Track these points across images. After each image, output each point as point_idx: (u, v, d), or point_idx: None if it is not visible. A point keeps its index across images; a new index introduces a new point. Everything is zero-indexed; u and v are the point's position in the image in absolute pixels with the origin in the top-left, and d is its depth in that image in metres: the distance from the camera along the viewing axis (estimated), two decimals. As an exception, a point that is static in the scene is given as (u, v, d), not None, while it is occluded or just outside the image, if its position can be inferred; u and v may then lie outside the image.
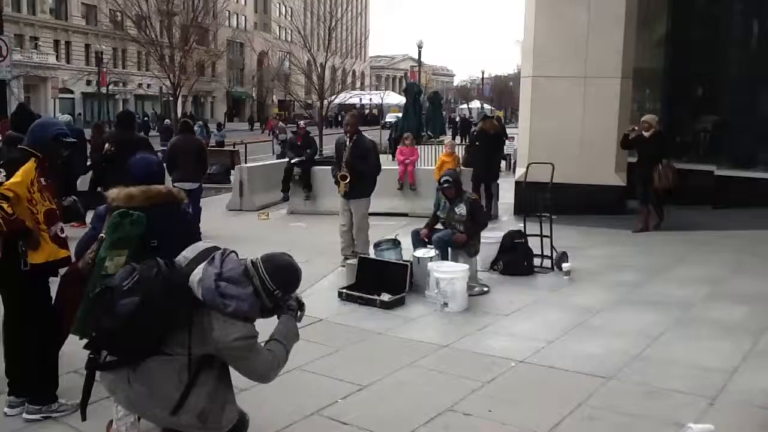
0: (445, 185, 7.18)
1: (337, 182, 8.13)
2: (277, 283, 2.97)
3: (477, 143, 12.36)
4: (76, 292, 3.47)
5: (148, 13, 21.13)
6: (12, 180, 3.83)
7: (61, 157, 4.35)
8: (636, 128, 10.44)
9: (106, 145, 9.50)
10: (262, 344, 3.02)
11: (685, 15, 13.93)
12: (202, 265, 2.91)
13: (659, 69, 14.19)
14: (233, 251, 3.07)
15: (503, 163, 22.08)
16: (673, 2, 13.91)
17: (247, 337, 2.88)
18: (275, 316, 3.16)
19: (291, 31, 34.80)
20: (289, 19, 36.17)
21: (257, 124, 57.56)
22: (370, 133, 30.01)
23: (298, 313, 3.21)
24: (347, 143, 8.07)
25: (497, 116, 45.79)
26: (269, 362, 2.98)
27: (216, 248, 3.06)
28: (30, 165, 3.94)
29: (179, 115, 25.79)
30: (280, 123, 34.26)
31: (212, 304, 2.84)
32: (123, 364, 2.90)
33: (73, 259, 3.87)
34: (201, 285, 2.85)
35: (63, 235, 4.22)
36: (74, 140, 4.51)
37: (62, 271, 4.03)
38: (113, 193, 3.55)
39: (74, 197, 9.32)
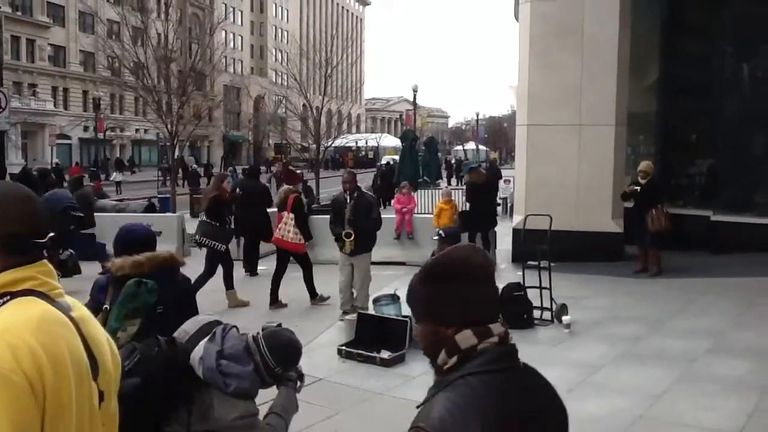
0: (436, 240, 7.31)
1: (339, 240, 8.12)
2: (278, 361, 2.94)
3: (467, 195, 12.48)
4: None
5: (146, 63, 21.30)
6: None
7: (68, 230, 4.35)
8: (632, 184, 10.62)
9: (237, 190, 11.34)
10: (261, 419, 2.98)
11: (678, 59, 14.11)
12: (202, 342, 2.88)
13: (653, 113, 14.33)
14: (234, 326, 3.04)
15: (499, 207, 22.28)
16: (665, 47, 14.11)
17: (247, 416, 2.84)
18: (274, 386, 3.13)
19: (287, 76, 35.10)
20: (285, 64, 36.54)
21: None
22: (368, 175, 30.13)
23: (298, 383, 3.16)
24: (348, 201, 8.10)
25: (492, 158, 46.07)
26: None
27: (217, 323, 3.03)
28: None
29: (176, 160, 25.99)
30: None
31: (213, 383, 2.80)
32: None
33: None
34: (202, 364, 2.82)
35: None
36: (82, 215, 4.52)
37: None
38: (118, 262, 3.53)
39: (71, 251, 9.31)
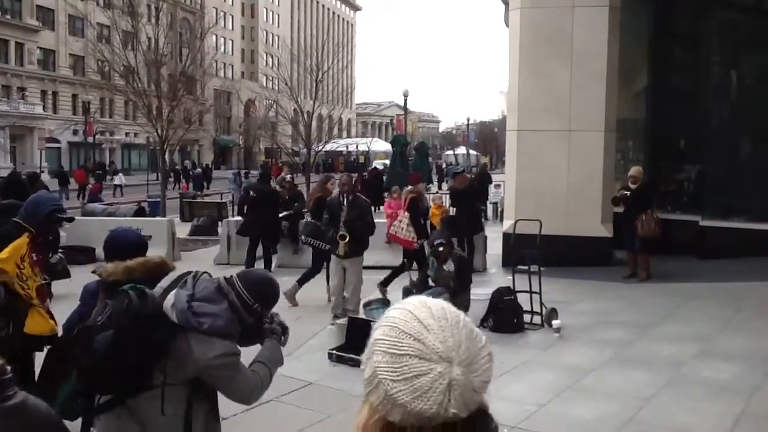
0: (440, 248, 7.29)
1: (333, 243, 8.14)
2: (255, 297, 2.93)
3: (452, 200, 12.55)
4: (62, 369, 3.43)
5: (136, 67, 21.23)
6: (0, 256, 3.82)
7: (55, 233, 4.34)
8: (622, 189, 10.70)
9: (250, 193, 12.10)
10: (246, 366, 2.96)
11: (666, 66, 14.24)
12: (174, 290, 2.89)
13: (641, 120, 14.43)
14: (205, 272, 3.04)
15: (490, 211, 22.33)
16: (653, 54, 14.23)
17: (227, 354, 2.82)
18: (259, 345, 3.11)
19: (278, 80, 35.10)
20: (276, 69, 36.55)
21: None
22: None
23: (282, 337, 3.15)
24: (344, 203, 8.11)
25: (483, 163, 46.17)
26: (253, 382, 2.93)
27: (189, 273, 3.04)
28: (22, 241, 3.92)
29: (168, 164, 25.93)
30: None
31: (187, 325, 2.78)
32: (115, 403, 2.85)
33: (60, 334, 3.83)
34: (174, 309, 2.81)
35: (50, 308, 4.20)
36: (71, 217, 4.51)
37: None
38: (110, 268, 3.52)
39: (61, 254, 9.27)
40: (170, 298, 2.85)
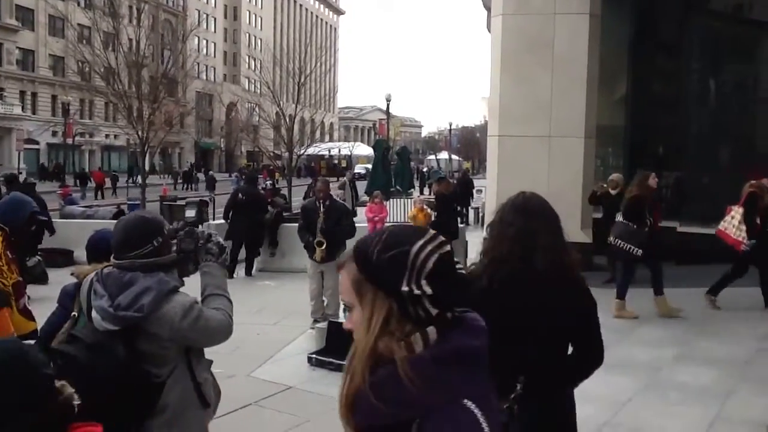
0: None
1: (310, 248, 8.13)
2: (144, 241, 2.79)
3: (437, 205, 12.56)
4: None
5: (117, 69, 21.11)
6: None
7: (37, 235, 4.32)
8: (603, 185, 10.82)
9: (239, 196, 12.16)
10: (201, 305, 2.83)
11: (645, 74, 14.40)
12: (94, 305, 2.78)
13: (621, 126, 14.58)
14: (96, 271, 2.92)
15: (471, 216, 22.43)
16: (634, 62, 14.39)
17: (186, 310, 2.71)
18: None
19: (260, 83, 35.03)
20: (258, 72, 36.47)
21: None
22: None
23: (221, 257, 3.00)
24: (320, 209, 8.11)
25: (465, 168, 46.27)
26: (222, 318, 2.82)
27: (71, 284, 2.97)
28: None
29: (147, 166, 25.80)
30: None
31: (131, 321, 2.67)
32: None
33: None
34: (107, 321, 2.69)
35: (29, 307, 4.16)
36: (46, 218, 4.49)
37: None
38: (86, 269, 3.48)
39: (39, 257, 9.18)
40: (95, 315, 2.74)
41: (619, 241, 8.51)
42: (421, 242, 1.46)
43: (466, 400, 1.42)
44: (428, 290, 1.43)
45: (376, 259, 1.46)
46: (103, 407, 2.60)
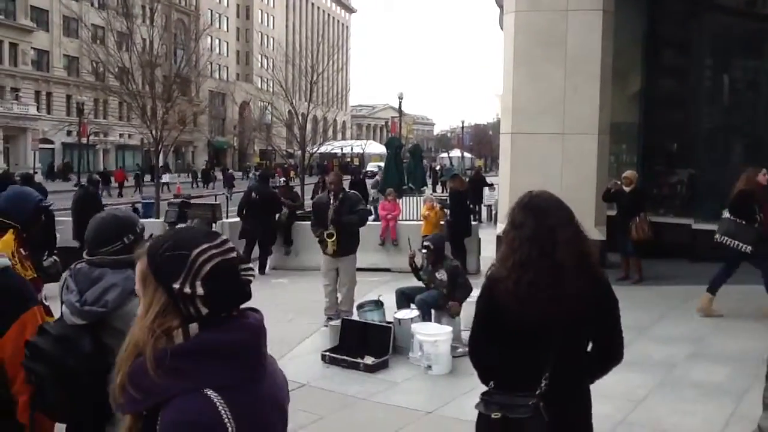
0: (425, 252, 7.29)
1: (322, 242, 8.14)
2: (112, 240, 2.79)
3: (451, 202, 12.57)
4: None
5: (131, 68, 21.22)
6: None
7: (40, 225, 4.27)
8: (617, 182, 10.76)
9: (253, 195, 12.31)
10: None
11: (659, 70, 14.31)
12: (64, 300, 2.78)
13: (635, 123, 14.49)
14: (80, 262, 2.89)
15: (484, 214, 22.39)
16: (647, 59, 14.30)
17: None
18: None
19: (272, 82, 35.10)
20: (271, 71, 36.55)
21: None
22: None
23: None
24: (331, 202, 8.12)
25: (478, 166, 46.26)
26: None
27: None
28: (8, 237, 3.90)
29: (161, 165, 25.97)
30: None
31: (97, 316, 2.67)
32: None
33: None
34: (75, 315, 2.69)
35: (47, 303, 4.19)
36: (50, 211, 4.48)
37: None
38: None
39: (55, 257, 9.25)
40: (64, 310, 2.75)
41: (726, 239, 8.13)
42: (204, 246, 1.59)
43: (207, 390, 1.52)
44: (200, 291, 1.54)
45: (160, 256, 1.59)
46: (71, 404, 2.63)
